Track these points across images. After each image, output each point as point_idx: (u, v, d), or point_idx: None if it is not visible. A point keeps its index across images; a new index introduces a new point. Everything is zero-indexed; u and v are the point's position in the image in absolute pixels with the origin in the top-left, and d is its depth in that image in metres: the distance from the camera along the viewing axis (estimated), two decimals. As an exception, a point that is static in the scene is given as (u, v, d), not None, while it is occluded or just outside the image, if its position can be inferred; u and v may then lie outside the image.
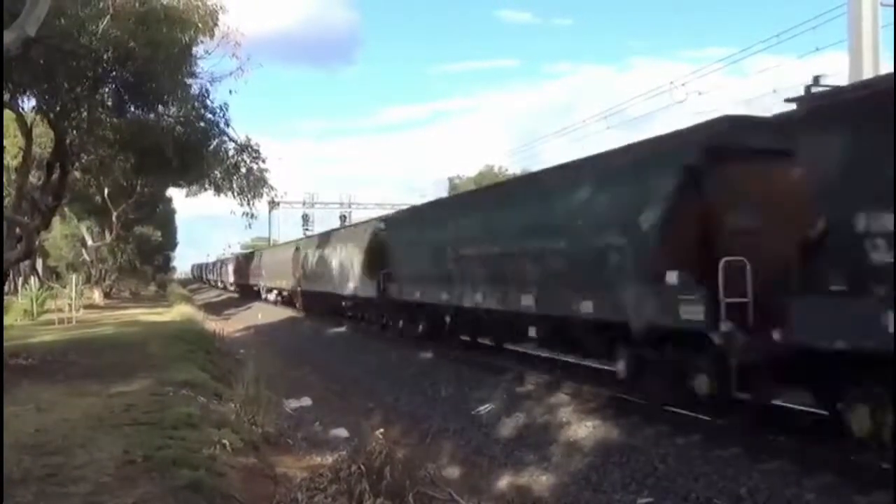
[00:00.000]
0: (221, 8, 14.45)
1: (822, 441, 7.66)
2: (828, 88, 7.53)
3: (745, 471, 7.44)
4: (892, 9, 15.48)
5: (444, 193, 51.86)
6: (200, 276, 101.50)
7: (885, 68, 14.53)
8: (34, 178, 18.93)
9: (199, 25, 13.97)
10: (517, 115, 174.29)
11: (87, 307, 30.17)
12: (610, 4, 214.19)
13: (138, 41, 12.65)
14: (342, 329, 25.12)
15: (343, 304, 26.53)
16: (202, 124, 16.38)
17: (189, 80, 15.11)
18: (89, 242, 38.10)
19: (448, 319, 17.12)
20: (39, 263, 39.80)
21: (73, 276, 31.18)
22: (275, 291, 42.45)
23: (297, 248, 34.60)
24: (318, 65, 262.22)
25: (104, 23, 12.16)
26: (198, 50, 14.93)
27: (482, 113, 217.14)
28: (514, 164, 56.73)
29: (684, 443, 8.51)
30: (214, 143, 17.15)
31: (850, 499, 6.55)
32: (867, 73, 14.30)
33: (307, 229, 60.16)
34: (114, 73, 13.53)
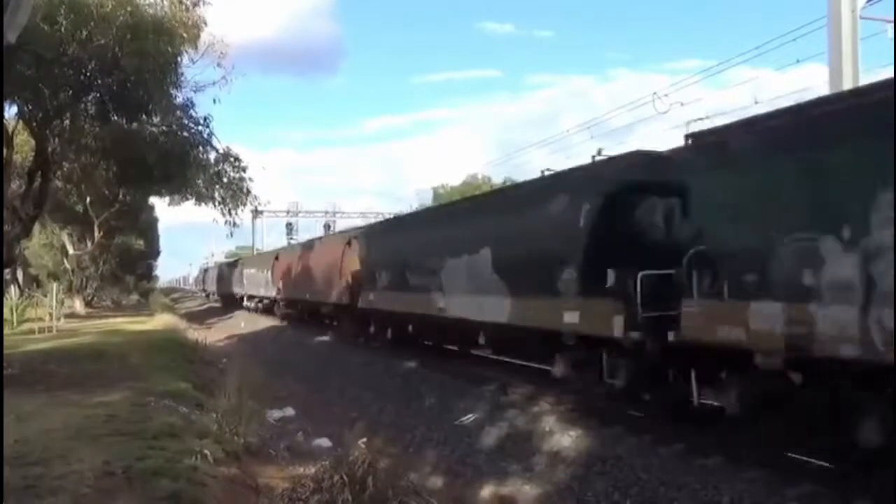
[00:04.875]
0: (204, 21, 14.53)
1: (804, 450, 7.71)
2: None
3: (727, 480, 7.47)
4: (872, 21, 15.72)
5: (427, 203, 51.89)
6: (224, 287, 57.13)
7: (865, 80, 14.70)
8: (15, 185, 18.78)
9: (185, 35, 14.00)
10: (500, 126, 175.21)
11: (67, 316, 29.91)
12: (591, 17, 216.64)
13: (126, 51, 12.62)
14: (325, 338, 25.01)
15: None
16: (185, 134, 16.37)
17: (174, 91, 15.11)
18: (70, 251, 37.75)
19: None
20: (20, 272, 39.36)
21: (54, 285, 30.90)
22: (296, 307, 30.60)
23: (351, 241, 21.78)
24: (301, 75, 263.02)
25: (86, 31, 12.12)
26: (182, 60, 14.95)
27: (465, 123, 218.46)
28: (497, 175, 57.18)
29: (667, 453, 8.54)
30: (195, 152, 17.14)
31: (830, 507, 6.60)
32: (847, 85, 14.45)
33: (291, 238, 59.89)
34: (98, 81, 13.49)
